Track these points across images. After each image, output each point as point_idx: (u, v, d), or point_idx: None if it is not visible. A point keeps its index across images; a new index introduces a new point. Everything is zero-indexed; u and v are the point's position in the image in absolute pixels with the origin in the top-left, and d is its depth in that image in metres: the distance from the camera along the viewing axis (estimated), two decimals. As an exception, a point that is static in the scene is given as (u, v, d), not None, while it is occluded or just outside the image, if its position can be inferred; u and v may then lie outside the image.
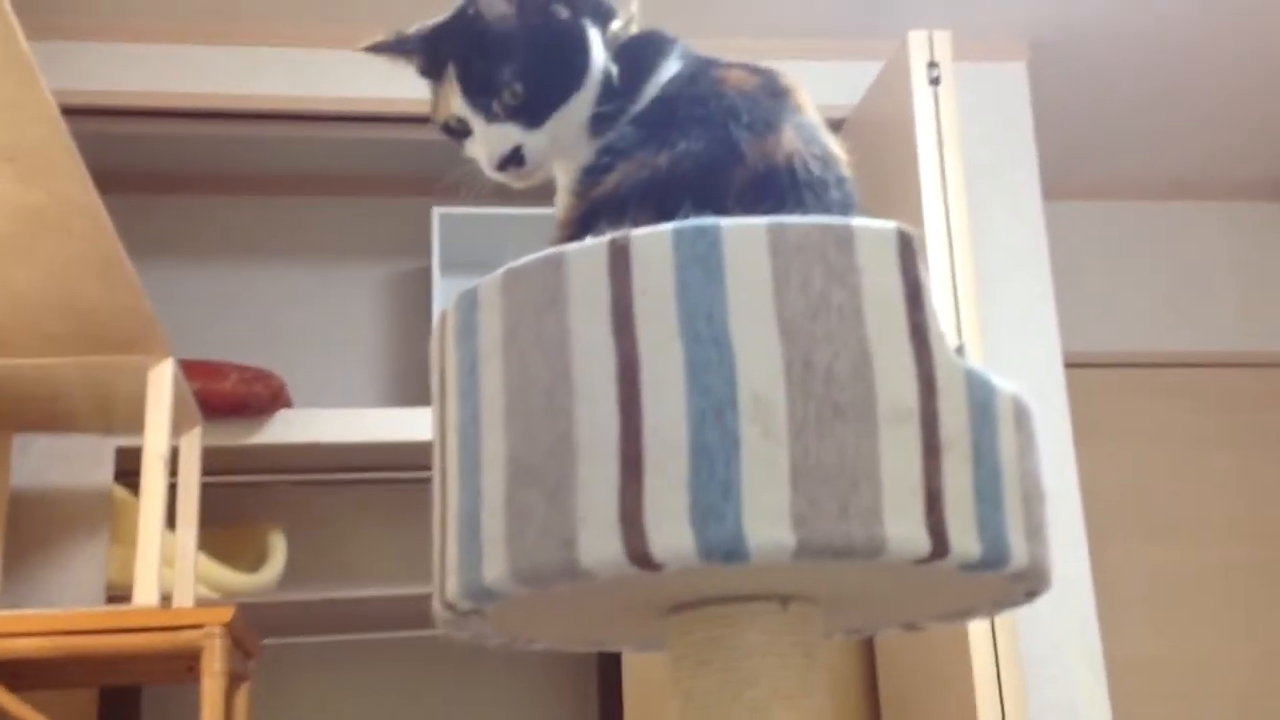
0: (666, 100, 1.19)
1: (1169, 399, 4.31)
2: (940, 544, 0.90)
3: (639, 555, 0.89)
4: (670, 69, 1.23)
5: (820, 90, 4.01)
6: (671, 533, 0.88)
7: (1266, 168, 4.37)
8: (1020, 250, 3.47)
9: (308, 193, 4.04)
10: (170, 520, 2.30)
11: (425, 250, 3.87)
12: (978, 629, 2.60)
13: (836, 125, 3.36)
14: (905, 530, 0.89)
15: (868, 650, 3.23)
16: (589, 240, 0.98)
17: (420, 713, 3.67)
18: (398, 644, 3.69)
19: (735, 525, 0.88)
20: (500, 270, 1.00)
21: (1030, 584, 1.01)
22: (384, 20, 3.41)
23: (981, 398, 0.95)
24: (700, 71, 1.21)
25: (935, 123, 2.91)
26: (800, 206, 1.10)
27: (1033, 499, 0.98)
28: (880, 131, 3.12)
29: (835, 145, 1.19)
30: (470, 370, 1.01)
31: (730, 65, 1.22)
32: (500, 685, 3.70)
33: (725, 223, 0.95)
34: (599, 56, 1.24)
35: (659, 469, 0.90)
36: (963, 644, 2.61)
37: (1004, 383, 0.98)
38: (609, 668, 3.43)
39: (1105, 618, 3.33)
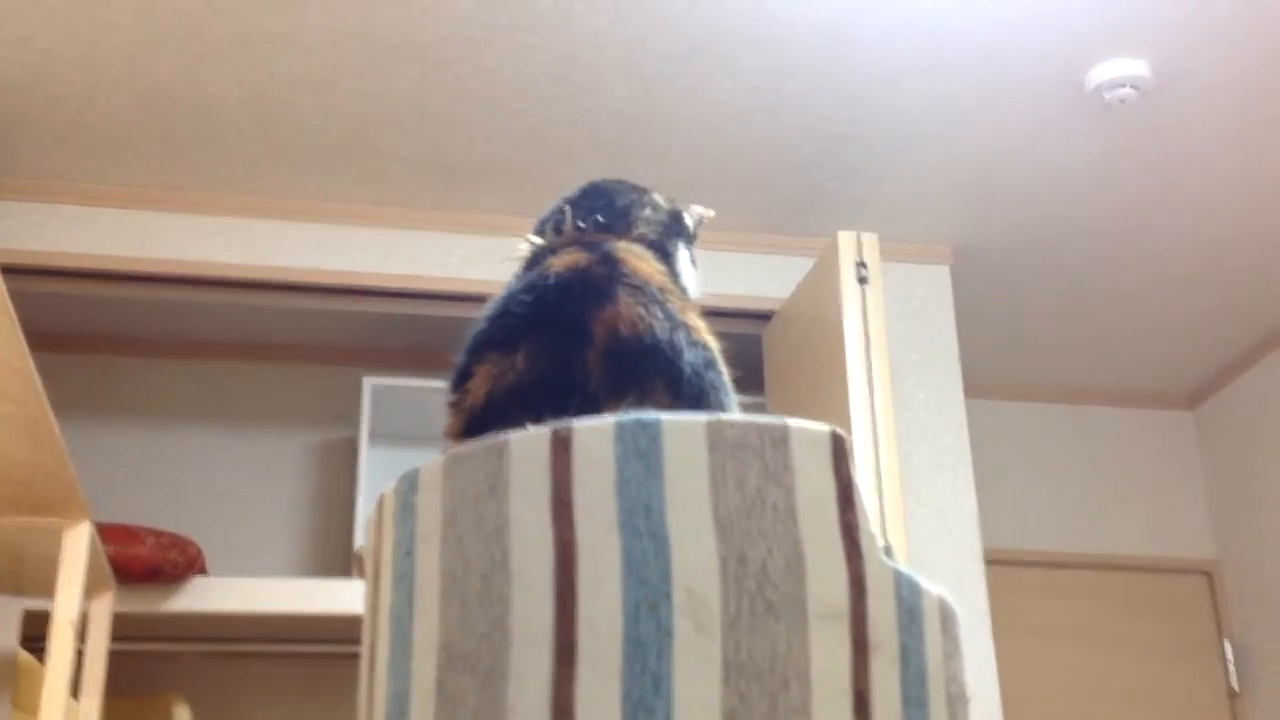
0: (508, 295, 1.21)
1: (1082, 600, 4.36)
2: (867, 745, 0.91)
3: (569, 747, 0.89)
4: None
5: (751, 283, 4.08)
6: (602, 725, 0.88)
7: (1179, 377, 4.52)
8: (943, 446, 3.54)
9: (238, 358, 4.04)
10: (74, 687, 2.23)
11: (354, 419, 3.86)
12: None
13: (766, 317, 3.45)
14: (834, 731, 0.90)
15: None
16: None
17: None
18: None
19: (666, 719, 0.88)
20: (443, 454, 1.02)
21: (953, 788, 1.02)
22: (325, 195, 3.45)
23: (909, 599, 0.97)
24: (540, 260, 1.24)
25: (862, 319, 2.99)
26: (654, 372, 1.11)
27: (957, 703, 0.99)
28: (809, 325, 3.20)
29: (689, 313, 1.19)
30: (407, 553, 1.01)
31: (567, 250, 1.23)
32: None
33: (666, 417, 0.97)
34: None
35: (592, 659, 0.90)
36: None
37: (931, 585, 1.00)
38: None
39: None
